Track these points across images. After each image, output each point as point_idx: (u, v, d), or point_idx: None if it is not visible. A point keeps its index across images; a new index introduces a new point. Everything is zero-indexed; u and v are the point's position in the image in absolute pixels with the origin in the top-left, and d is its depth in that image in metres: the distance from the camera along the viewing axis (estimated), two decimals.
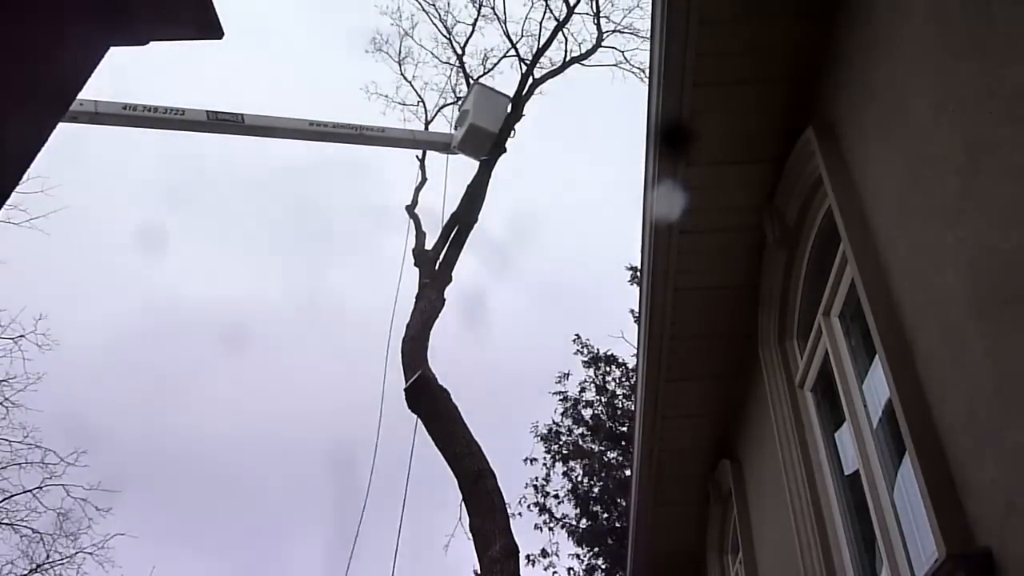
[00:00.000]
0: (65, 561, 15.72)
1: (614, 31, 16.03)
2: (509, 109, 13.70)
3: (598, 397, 17.66)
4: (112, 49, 2.43)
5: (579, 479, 16.94)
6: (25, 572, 15.22)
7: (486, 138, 13.14)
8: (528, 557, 15.48)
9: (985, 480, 2.40)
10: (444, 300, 12.81)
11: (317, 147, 13.20)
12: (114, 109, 10.23)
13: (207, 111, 11.07)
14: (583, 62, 16.31)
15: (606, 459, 17.05)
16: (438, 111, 16.91)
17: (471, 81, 16.35)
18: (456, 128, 13.38)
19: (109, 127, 10.66)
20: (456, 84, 16.82)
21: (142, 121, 10.69)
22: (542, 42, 15.83)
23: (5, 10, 2.07)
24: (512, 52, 16.34)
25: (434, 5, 16.64)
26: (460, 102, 13.96)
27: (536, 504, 16.76)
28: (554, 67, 16.20)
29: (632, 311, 15.81)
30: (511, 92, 14.90)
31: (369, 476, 10.60)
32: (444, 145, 13.42)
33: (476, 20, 16.29)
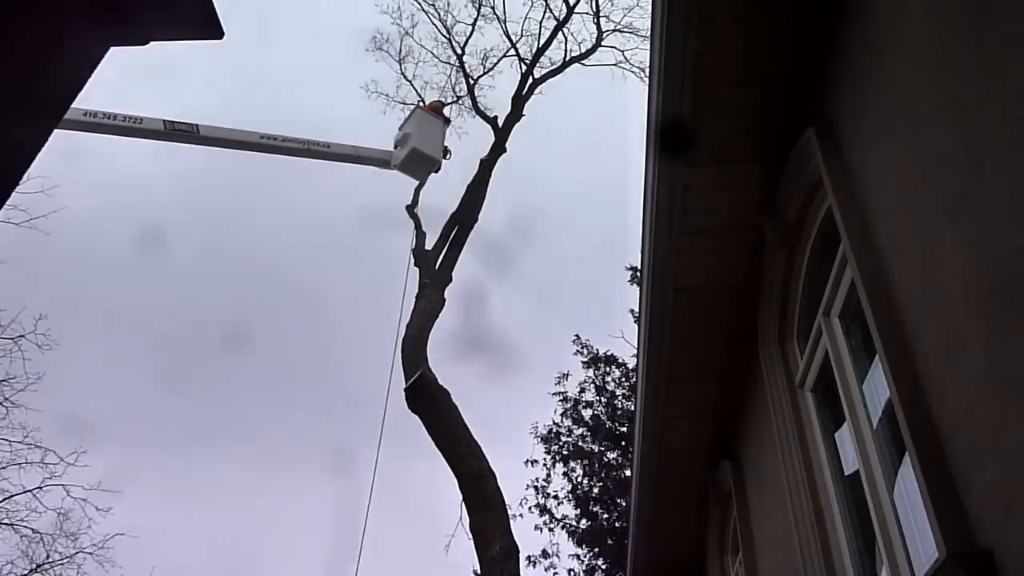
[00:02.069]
0: (65, 561, 15.75)
1: (614, 30, 16.06)
2: (447, 135, 14.06)
3: (598, 397, 17.64)
4: (112, 49, 2.43)
5: (579, 480, 16.94)
6: (25, 572, 15.24)
7: (426, 162, 13.52)
8: (529, 558, 15.49)
9: (985, 480, 2.40)
10: (444, 300, 12.83)
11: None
12: (74, 115, 10.31)
13: (164, 120, 11.26)
14: (583, 62, 16.35)
15: (606, 459, 17.04)
16: None
17: (470, 82, 16.40)
18: (396, 147, 13.70)
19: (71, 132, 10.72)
20: (456, 83, 16.87)
21: (101, 128, 10.83)
22: (542, 42, 15.87)
23: (4, 10, 2.07)
24: (512, 52, 16.39)
25: (434, 5, 16.68)
26: (401, 123, 14.27)
27: (537, 505, 16.76)
28: (554, 67, 16.26)
29: (632, 311, 15.81)
30: (511, 91, 14.99)
31: (372, 477, 10.61)
32: (383, 162, 13.67)
33: (476, 20, 16.33)
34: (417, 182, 14.30)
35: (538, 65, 16.29)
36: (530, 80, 16.06)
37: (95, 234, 23.56)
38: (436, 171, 13.88)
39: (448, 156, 13.98)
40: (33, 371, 15.42)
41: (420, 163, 13.49)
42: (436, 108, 14.59)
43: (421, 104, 14.78)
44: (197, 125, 11.54)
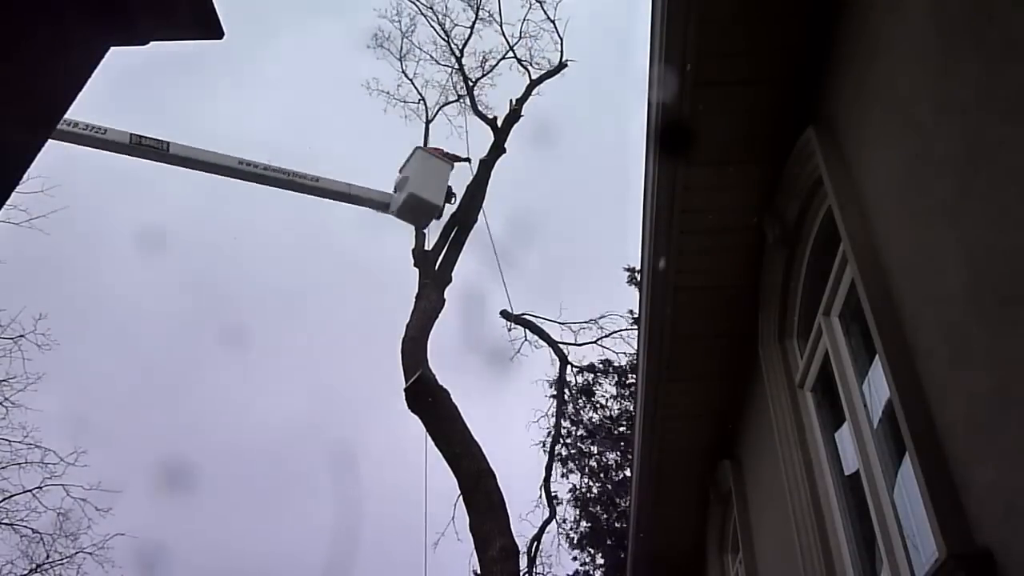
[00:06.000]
0: (65, 561, 15.74)
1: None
2: (451, 175, 13.02)
3: (598, 398, 17.66)
4: (112, 49, 2.43)
5: (579, 480, 16.96)
6: (25, 572, 15.23)
7: (426, 208, 12.52)
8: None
9: (985, 480, 2.40)
10: (444, 300, 12.83)
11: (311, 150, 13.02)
12: None
13: (131, 134, 10.57)
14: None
15: (605, 460, 17.06)
16: (439, 109, 16.94)
17: (469, 84, 16.39)
18: (395, 191, 12.60)
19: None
20: (457, 83, 16.88)
21: (63, 136, 10.01)
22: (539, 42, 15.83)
23: (4, 10, 2.07)
24: (510, 54, 16.42)
25: (432, 8, 16.70)
26: (401, 165, 13.06)
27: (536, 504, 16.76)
28: (552, 67, 16.27)
29: (632, 311, 15.81)
30: (511, 91, 14.93)
31: (367, 476, 10.59)
32: (383, 205, 12.58)
33: (474, 23, 16.36)
34: (418, 229, 13.33)
35: (536, 66, 16.34)
36: (528, 81, 16.11)
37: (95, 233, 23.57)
38: (438, 218, 12.84)
39: (452, 200, 12.92)
40: (33, 371, 15.43)
41: (420, 210, 12.49)
42: (440, 153, 13.44)
43: (421, 145, 13.80)
44: (167, 142, 10.76)
